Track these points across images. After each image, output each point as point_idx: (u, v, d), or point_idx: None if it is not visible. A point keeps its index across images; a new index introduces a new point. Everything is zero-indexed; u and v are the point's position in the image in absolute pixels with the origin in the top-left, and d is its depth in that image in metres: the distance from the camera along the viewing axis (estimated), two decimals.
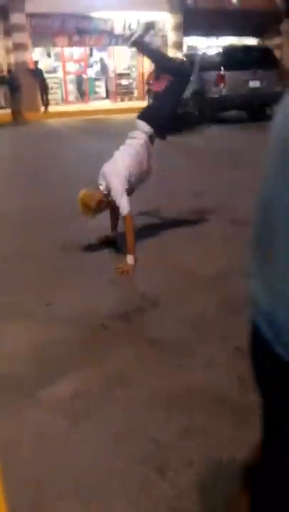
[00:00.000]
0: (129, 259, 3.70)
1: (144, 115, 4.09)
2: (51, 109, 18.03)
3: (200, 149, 9.25)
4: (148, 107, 4.47)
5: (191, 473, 1.79)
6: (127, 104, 20.02)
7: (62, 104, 20.75)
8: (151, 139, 4.05)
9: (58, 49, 20.86)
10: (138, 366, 2.47)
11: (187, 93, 13.36)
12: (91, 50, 22.45)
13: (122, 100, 21.50)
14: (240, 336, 2.66)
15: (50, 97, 18.50)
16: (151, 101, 13.57)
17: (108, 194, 3.78)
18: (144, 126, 4.00)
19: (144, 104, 16.24)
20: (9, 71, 16.96)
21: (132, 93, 22.15)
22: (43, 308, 3.14)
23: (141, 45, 4.20)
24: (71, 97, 21.69)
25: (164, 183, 6.35)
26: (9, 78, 16.53)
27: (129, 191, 3.85)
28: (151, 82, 13.10)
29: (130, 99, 21.60)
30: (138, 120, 4.08)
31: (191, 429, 2.00)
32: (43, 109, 17.89)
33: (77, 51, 21.50)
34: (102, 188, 3.82)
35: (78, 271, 3.74)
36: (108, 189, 3.77)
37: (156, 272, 3.66)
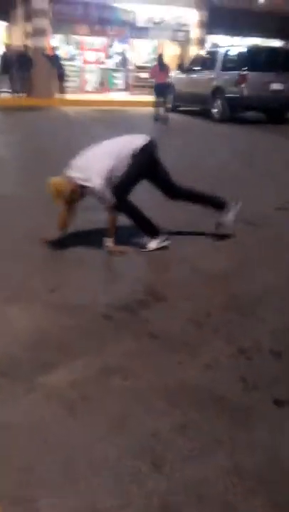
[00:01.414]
0: (108, 241, 3.77)
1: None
2: (68, 97, 17.97)
3: (216, 147, 9.20)
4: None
5: (187, 468, 1.76)
6: (145, 97, 19.92)
7: (79, 93, 20.69)
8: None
9: (77, 37, 20.80)
10: (138, 359, 2.44)
11: (208, 91, 13.37)
12: (112, 41, 22.35)
13: (141, 93, 21.38)
14: (245, 337, 2.66)
15: (67, 84, 18.44)
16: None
17: (83, 186, 3.61)
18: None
19: None
20: (23, 48, 17.07)
21: (151, 87, 22.02)
22: (47, 294, 3.12)
23: None
24: (88, 87, 21.59)
25: (178, 178, 6.30)
26: (19, 56, 16.59)
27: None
28: (153, 74, 13.94)
29: (149, 93, 21.50)
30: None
31: (188, 426, 1.98)
32: (58, 96, 17.84)
33: (98, 41, 21.42)
34: (77, 179, 3.60)
35: (84, 260, 3.70)
36: (85, 183, 3.59)
37: (163, 267, 3.64)
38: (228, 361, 2.44)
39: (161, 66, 13.39)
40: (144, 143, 3.81)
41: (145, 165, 3.84)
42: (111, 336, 2.65)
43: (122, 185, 3.74)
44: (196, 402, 2.12)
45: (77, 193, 3.66)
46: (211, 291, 3.21)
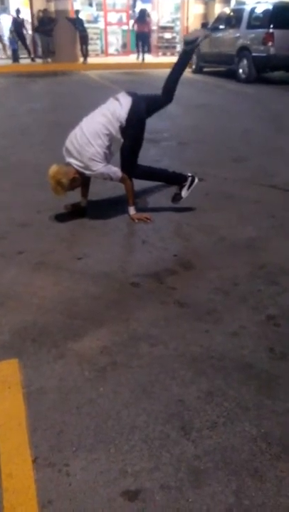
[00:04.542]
0: (131, 210, 3.81)
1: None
2: (90, 60, 17.73)
3: (243, 111, 9.00)
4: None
5: (214, 435, 1.80)
6: (168, 58, 19.49)
7: (102, 56, 20.37)
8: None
9: None
10: (165, 327, 2.47)
11: (233, 50, 12.99)
12: (134, 1, 21.80)
13: (164, 54, 20.94)
14: (273, 305, 2.65)
15: (90, 48, 18.17)
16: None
17: (83, 172, 3.58)
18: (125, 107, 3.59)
19: None
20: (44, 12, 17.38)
21: (174, 47, 21.54)
22: (74, 262, 3.16)
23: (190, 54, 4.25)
24: (111, 49, 21.22)
25: (204, 145, 6.22)
26: (42, 20, 16.98)
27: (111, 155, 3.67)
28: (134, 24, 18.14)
29: (172, 54, 21.03)
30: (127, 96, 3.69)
31: (215, 393, 2.01)
32: (81, 60, 17.60)
33: (120, 1, 20.91)
34: (76, 165, 3.56)
35: (110, 229, 3.72)
36: (85, 170, 3.56)
37: (190, 235, 3.62)
38: (256, 329, 2.45)
39: (140, 19, 17.30)
40: (128, 108, 3.59)
41: (138, 130, 3.69)
42: (139, 303, 2.69)
43: (127, 160, 3.72)
44: (223, 371, 2.15)
45: (78, 180, 3.64)
46: (237, 261, 3.20)
